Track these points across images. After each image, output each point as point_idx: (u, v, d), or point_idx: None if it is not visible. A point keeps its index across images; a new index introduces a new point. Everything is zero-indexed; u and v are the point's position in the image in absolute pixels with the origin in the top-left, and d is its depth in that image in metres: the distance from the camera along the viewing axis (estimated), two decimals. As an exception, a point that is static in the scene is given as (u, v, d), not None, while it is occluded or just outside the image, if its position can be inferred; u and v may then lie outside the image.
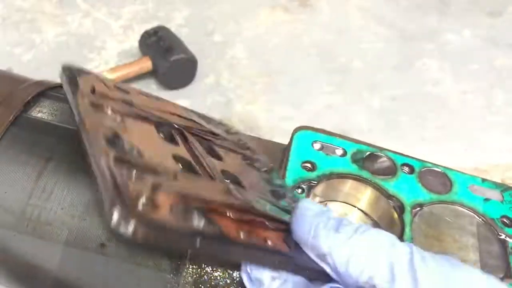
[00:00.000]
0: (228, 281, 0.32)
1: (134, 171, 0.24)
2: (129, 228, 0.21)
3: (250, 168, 0.35)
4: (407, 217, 0.34)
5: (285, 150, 0.38)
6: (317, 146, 0.38)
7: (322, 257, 0.26)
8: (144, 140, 0.29)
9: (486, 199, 0.37)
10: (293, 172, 0.36)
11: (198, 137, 0.34)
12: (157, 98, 0.37)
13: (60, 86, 0.40)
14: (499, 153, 0.92)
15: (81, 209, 0.33)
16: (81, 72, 0.33)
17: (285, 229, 0.28)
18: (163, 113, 0.34)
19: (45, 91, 0.38)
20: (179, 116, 0.36)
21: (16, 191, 0.33)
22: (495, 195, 0.37)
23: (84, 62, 1.00)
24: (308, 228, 0.27)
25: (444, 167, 0.39)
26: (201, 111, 0.96)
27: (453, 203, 0.37)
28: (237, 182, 0.31)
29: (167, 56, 0.91)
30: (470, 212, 0.36)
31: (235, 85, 1.00)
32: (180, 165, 0.29)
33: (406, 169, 0.38)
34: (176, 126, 0.34)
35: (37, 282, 0.32)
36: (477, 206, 0.36)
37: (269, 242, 0.27)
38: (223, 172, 0.31)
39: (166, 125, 0.33)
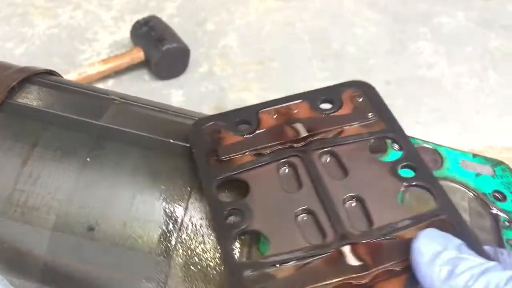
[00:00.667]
0: (219, 262, 0.32)
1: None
2: None
3: (373, 163, 0.34)
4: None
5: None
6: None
7: None
8: (266, 205, 0.32)
9: (478, 174, 0.37)
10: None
11: (320, 149, 0.35)
12: (276, 104, 0.38)
13: (45, 72, 0.40)
14: (493, 135, 0.92)
15: (68, 193, 0.32)
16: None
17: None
18: (283, 138, 0.35)
19: (30, 77, 0.38)
20: (299, 132, 0.36)
21: (3, 176, 0.32)
22: (486, 170, 0.37)
23: (76, 54, 0.99)
24: (423, 281, 0.27)
25: (435, 143, 0.39)
26: (195, 100, 0.97)
27: (444, 178, 0.36)
28: (362, 204, 0.32)
29: (159, 46, 0.91)
30: (461, 188, 0.36)
31: (228, 73, 0.99)
32: (303, 217, 0.31)
33: (397, 146, 0.38)
34: (294, 154, 0.34)
35: (26, 267, 0.32)
36: (469, 181, 0.36)
37: None
38: (347, 195, 0.32)
39: (285, 158, 0.34)
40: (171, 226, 0.32)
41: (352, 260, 0.29)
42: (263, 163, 0.33)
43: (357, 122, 0.37)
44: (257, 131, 0.36)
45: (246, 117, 0.37)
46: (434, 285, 0.26)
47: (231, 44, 1.05)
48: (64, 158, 0.33)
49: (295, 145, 0.35)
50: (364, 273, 0.29)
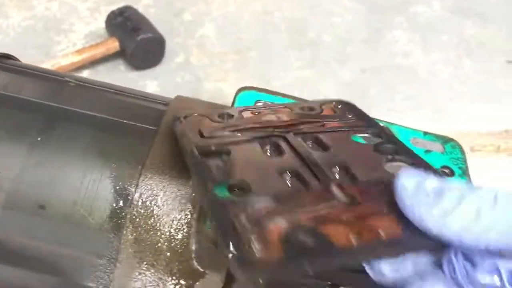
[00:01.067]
0: (168, 237, 0.32)
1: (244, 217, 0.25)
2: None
3: (355, 143, 0.34)
4: None
5: (227, 111, 0.38)
6: (260, 105, 0.38)
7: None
8: (250, 167, 0.31)
9: (427, 151, 0.38)
10: (234, 131, 0.36)
11: (302, 134, 0.34)
12: (260, 108, 0.37)
13: (1, 56, 0.40)
14: (467, 121, 0.93)
15: (19, 172, 0.33)
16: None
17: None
18: (265, 124, 0.35)
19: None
20: (281, 120, 0.36)
21: (-48, 156, 0.33)
22: (436, 147, 0.38)
23: (52, 45, 0.99)
24: (411, 212, 0.26)
25: (386, 121, 0.39)
26: (170, 90, 0.97)
27: None
28: (347, 171, 0.31)
29: (134, 36, 0.90)
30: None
31: (204, 63, 0.99)
32: (287, 177, 0.30)
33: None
34: (276, 134, 0.34)
35: (-23, 246, 0.32)
36: (418, 158, 0.37)
37: (382, 234, 0.26)
38: (331, 163, 0.31)
39: (267, 137, 0.34)
40: (121, 203, 0.33)
41: (340, 195, 0.28)
42: (245, 139, 0.33)
43: (337, 120, 0.37)
44: (240, 118, 0.36)
45: (229, 111, 0.37)
46: (421, 213, 0.25)
47: (208, 34, 1.05)
48: (15, 137, 0.33)
49: (277, 130, 0.35)
50: (353, 206, 0.28)
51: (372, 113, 0.95)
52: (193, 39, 1.03)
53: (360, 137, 0.35)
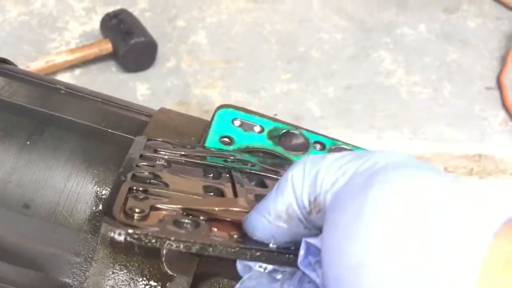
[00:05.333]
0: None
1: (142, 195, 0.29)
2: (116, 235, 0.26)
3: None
4: None
5: (206, 126, 0.41)
6: (237, 123, 0.41)
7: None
8: (183, 179, 0.33)
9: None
10: (211, 145, 0.39)
11: (249, 174, 0.37)
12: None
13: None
14: (442, 142, 0.97)
15: (6, 172, 0.35)
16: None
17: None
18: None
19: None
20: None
21: None
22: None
23: (45, 42, 1.01)
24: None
25: (354, 145, 0.43)
26: (160, 94, 0.99)
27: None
28: None
29: (127, 39, 0.93)
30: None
31: (194, 69, 1.02)
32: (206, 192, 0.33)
33: (318, 146, 0.42)
34: (222, 166, 0.37)
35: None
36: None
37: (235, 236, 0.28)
38: (258, 196, 0.33)
39: (214, 167, 0.36)
40: (100, 206, 0.35)
41: (244, 205, 0.31)
42: (192, 161, 0.36)
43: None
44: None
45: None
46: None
47: (200, 41, 1.08)
48: (5, 139, 0.36)
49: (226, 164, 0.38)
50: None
51: (355, 130, 0.99)
52: (185, 45, 1.06)
53: None
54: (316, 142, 0.42)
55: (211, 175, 0.36)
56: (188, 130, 0.41)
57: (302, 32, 1.13)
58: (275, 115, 0.98)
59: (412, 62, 1.10)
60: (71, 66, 0.95)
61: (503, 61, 1.10)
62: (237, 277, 0.36)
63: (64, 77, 0.96)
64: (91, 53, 0.94)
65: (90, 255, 0.35)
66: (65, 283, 0.35)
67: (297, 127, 0.43)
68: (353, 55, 1.10)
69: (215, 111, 0.42)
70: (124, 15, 0.97)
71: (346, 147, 0.43)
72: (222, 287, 0.36)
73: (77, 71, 0.97)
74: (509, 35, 1.15)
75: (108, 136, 0.38)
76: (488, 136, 0.98)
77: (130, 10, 1.03)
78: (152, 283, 0.35)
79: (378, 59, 1.10)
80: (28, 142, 0.36)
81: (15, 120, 0.37)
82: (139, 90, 0.96)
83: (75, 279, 0.35)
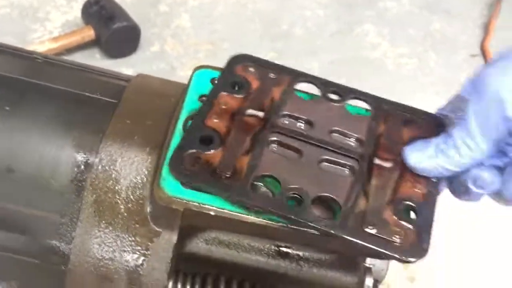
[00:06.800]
0: (125, 198, 0.35)
1: None
2: None
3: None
4: None
5: (185, 87, 0.41)
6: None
7: None
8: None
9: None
10: (190, 104, 0.39)
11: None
12: None
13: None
14: (430, 111, 0.97)
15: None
16: None
17: None
18: None
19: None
20: None
21: None
22: None
23: (27, 33, 1.00)
24: None
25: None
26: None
27: None
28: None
29: (109, 25, 0.93)
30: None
31: (179, 53, 1.02)
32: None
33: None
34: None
35: None
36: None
37: None
38: None
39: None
40: (82, 167, 0.36)
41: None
42: None
43: None
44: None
45: None
46: None
47: (184, 24, 1.08)
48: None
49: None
50: None
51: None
52: (169, 29, 1.06)
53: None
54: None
55: None
56: (168, 92, 0.41)
57: (285, 10, 1.13)
58: (262, 92, 0.99)
59: (396, 34, 1.10)
60: (55, 55, 0.95)
61: (486, 28, 1.11)
62: (223, 229, 0.36)
63: (49, 67, 0.96)
64: (73, 41, 0.94)
65: (75, 215, 0.35)
66: (53, 244, 0.35)
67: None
68: (336, 31, 1.10)
69: (193, 72, 0.42)
70: (105, 1, 0.96)
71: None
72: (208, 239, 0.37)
73: (61, 60, 0.96)
74: (491, 2, 1.16)
75: (86, 100, 0.38)
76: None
77: (112, -3, 1.03)
78: (138, 239, 0.35)
79: (362, 33, 1.10)
80: (7, 108, 0.36)
81: (-7, 88, 0.37)
82: (125, 75, 0.96)
83: (61, 240, 0.35)
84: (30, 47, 0.92)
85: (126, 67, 0.97)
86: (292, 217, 0.33)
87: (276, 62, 1.09)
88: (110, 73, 0.42)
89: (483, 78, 0.32)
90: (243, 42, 1.06)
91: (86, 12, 0.97)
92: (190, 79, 0.42)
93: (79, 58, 0.97)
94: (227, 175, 0.34)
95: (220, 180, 0.33)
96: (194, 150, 0.34)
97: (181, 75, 0.98)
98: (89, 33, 0.94)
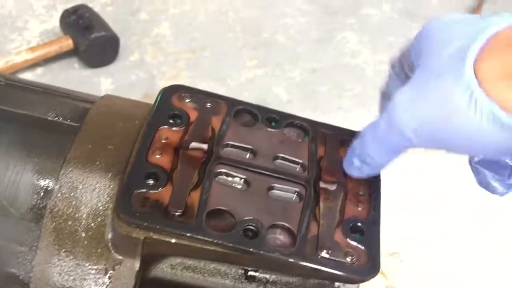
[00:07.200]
0: (86, 226, 0.35)
1: None
2: None
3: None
4: None
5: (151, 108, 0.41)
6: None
7: None
8: None
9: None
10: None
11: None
12: None
13: None
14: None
15: None
16: None
17: None
18: None
19: None
20: None
21: None
22: None
23: (5, 43, 0.99)
24: None
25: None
26: (124, 88, 0.98)
27: None
28: None
29: (87, 34, 0.92)
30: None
31: (159, 61, 1.02)
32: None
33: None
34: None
35: None
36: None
37: None
38: None
39: None
40: (42, 194, 0.35)
41: None
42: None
43: None
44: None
45: None
46: None
47: (164, 33, 1.07)
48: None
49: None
50: None
51: (323, 111, 0.99)
52: (149, 38, 1.05)
53: None
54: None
55: None
56: (133, 114, 0.41)
57: (266, 17, 1.13)
58: (242, 102, 0.98)
59: (377, 41, 1.10)
60: (33, 65, 0.94)
61: (466, 35, 1.11)
62: (186, 255, 0.36)
63: (26, 77, 0.94)
64: (51, 51, 0.93)
65: (34, 244, 0.34)
66: (12, 273, 0.35)
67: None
68: (318, 38, 1.10)
69: (159, 93, 0.41)
70: (83, 10, 0.95)
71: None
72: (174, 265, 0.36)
73: (39, 70, 0.95)
74: (472, 10, 1.16)
75: (48, 124, 0.37)
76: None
77: (91, 5, 1.02)
78: (99, 267, 0.35)
79: (343, 41, 1.11)
80: (-35, 134, 0.36)
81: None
82: (103, 85, 0.95)
83: (21, 269, 0.35)
84: (7, 58, 0.91)
85: (105, 76, 0.97)
86: (251, 250, 0.33)
87: (259, 70, 1.08)
88: (75, 95, 0.42)
89: (392, 108, 0.31)
90: (224, 50, 1.05)
91: (64, 21, 0.96)
92: (156, 100, 0.41)
93: (57, 68, 0.96)
94: (180, 213, 0.33)
95: (173, 219, 0.33)
96: (141, 190, 0.34)
97: (161, 85, 0.98)
98: (67, 43, 0.93)
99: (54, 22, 1.03)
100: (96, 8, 1.03)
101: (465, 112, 0.28)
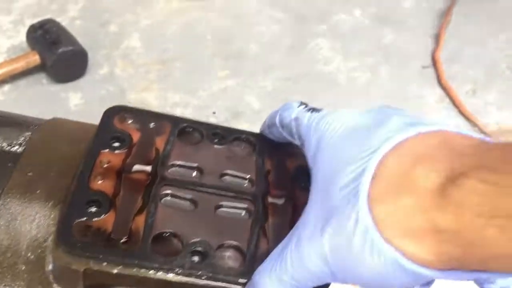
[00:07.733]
0: (27, 260, 0.34)
1: None
2: None
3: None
4: None
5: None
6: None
7: None
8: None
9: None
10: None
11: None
12: None
13: None
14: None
15: None
16: None
17: None
18: None
19: None
20: None
21: None
22: None
23: (-29, 59, 0.98)
24: None
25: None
26: (94, 102, 0.97)
27: None
28: None
29: (54, 49, 0.91)
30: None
31: (129, 74, 1.01)
32: None
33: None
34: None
35: None
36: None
37: None
38: None
39: None
40: (-24, 229, 0.34)
41: None
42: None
43: None
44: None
45: None
46: None
47: (134, 45, 1.06)
48: None
49: None
50: None
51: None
52: (118, 50, 1.04)
53: None
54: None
55: None
56: (79, 137, 0.39)
57: (238, 27, 1.12)
58: (214, 113, 0.98)
59: (349, 47, 1.10)
60: (-1, 83, 0.93)
61: (438, 38, 1.12)
62: (132, 286, 0.35)
63: (-7, 94, 0.93)
64: (18, 67, 0.91)
65: (-28, 279, 0.33)
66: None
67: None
68: (290, 46, 1.10)
69: (103, 114, 0.40)
70: (49, 25, 0.94)
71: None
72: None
73: (6, 87, 0.94)
74: (442, 13, 1.17)
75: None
76: (425, 115, 0.99)
77: (60, 19, 1.01)
78: (41, 300, 0.34)
79: (316, 48, 1.10)
80: None
81: None
82: (72, 100, 0.94)
83: (-41, 306, 0.34)
84: (-29, 76, 0.90)
85: (74, 91, 0.95)
86: (199, 273, 0.32)
87: (231, 80, 1.07)
88: (20, 120, 0.40)
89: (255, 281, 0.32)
90: (195, 61, 1.05)
91: (31, 36, 0.95)
92: (100, 121, 0.40)
93: (25, 84, 0.95)
94: (124, 240, 0.32)
95: (117, 246, 0.32)
96: (82, 219, 0.33)
97: (132, 97, 0.97)
98: (34, 58, 0.92)
99: (21, 37, 1.02)
100: (65, 22, 1.02)
101: (368, 257, 0.26)
